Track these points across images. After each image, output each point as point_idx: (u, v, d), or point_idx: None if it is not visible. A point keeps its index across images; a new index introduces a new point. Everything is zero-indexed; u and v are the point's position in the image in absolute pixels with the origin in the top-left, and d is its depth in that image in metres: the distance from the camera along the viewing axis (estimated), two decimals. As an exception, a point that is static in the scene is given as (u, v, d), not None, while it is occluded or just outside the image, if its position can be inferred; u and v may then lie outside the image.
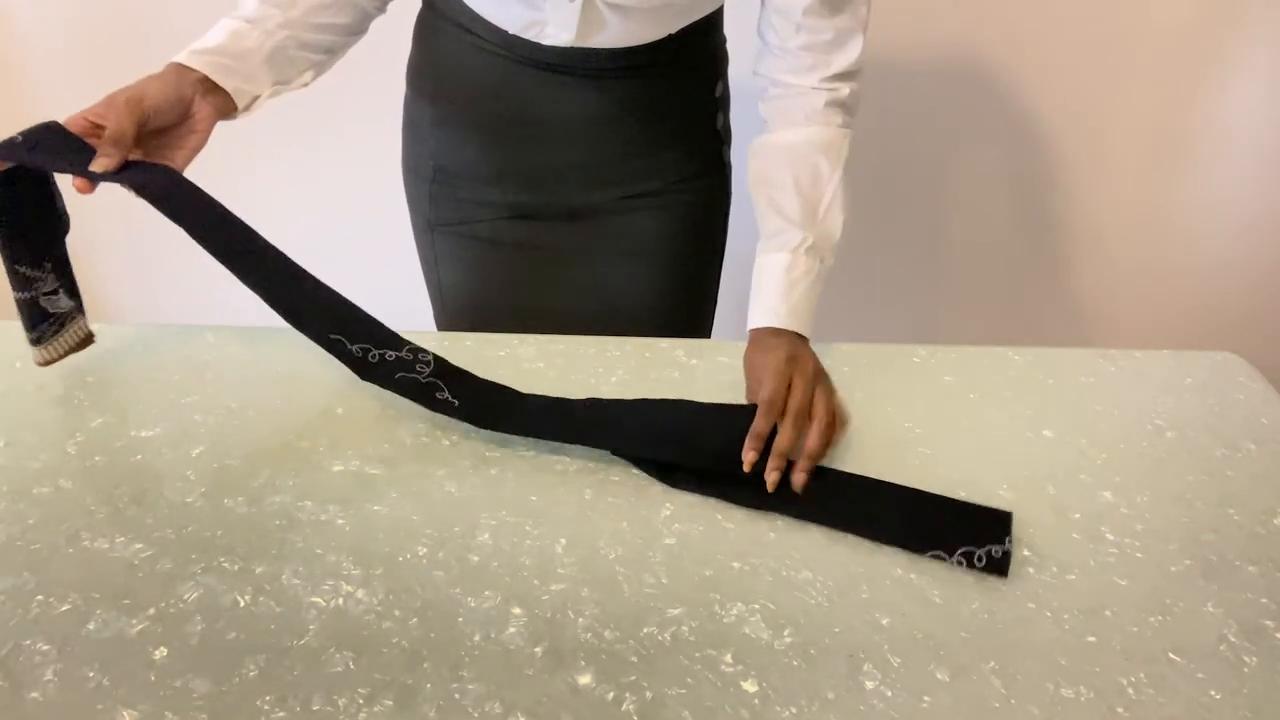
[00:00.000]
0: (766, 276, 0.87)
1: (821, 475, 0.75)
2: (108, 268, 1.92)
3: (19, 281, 0.81)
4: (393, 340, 0.82)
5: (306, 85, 0.91)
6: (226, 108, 0.83)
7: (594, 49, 0.92)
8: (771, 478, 0.72)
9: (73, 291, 0.85)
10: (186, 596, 0.63)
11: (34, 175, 0.78)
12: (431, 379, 0.80)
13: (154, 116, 0.77)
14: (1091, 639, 0.61)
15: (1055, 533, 0.70)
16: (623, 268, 1.07)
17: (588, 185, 1.03)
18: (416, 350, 0.82)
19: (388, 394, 0.83)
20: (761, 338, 0.85)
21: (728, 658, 0.60)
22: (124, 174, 0.75)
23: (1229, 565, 0.68)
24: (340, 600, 0.63)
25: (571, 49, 0.92)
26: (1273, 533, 0.71)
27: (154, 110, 0.77)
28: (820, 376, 0.82)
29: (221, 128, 0.85)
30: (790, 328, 0.84)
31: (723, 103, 1.07)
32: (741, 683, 0.58)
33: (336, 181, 1.77)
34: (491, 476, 0.75)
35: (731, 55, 1.08)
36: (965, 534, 0.68)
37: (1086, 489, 0.75)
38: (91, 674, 0.58)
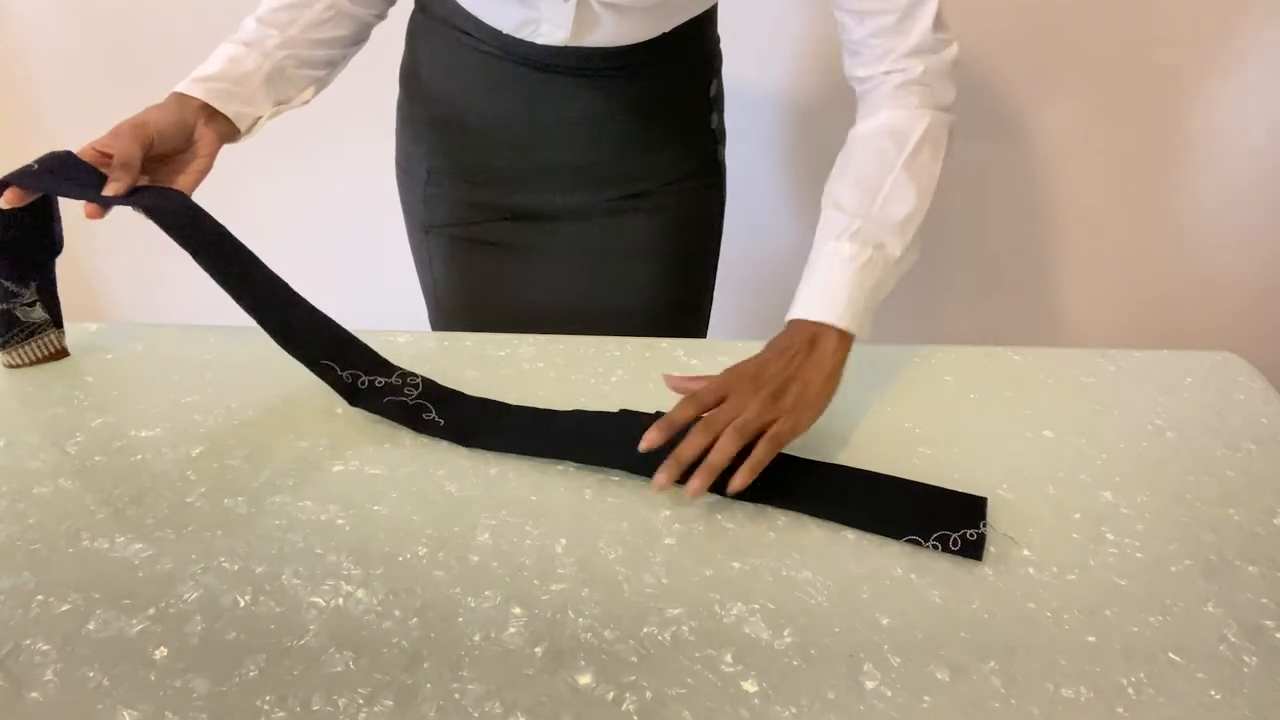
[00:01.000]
0: (807, 270, 0.81)
1: (794, 464, 0.75)
2: (108, 268, 1.92)
3: (1, 292, 0.84)
4: (383, 367, 0.82)
5: (308, 102, 0.92)
6: (229, 132, 0.85)
7: (588, 48, 0.92)
8: (658, 479, 0.69)
9: (52, 309, 0.88)
10: (186, 596, 0.63)
11: (37, 198, 0.80)
12: (419, 400, 0.80)
13: (158, 141, 0.80)
14: (1091, 639, 0.61)
15: (1055, 533, 0.70)
16: (618, 269, 1.07)
17: (582, 186, 1.02)
18: (406, 375, 0.82)
19: (388, 394, 0.83)
20: (784, 334, 0.78)
21: (728, 658, 0.60)
22: (133, 197, 0.77)
23: (1229, 565, 0.68)
24: (340, 600, 0.63)
25: (566, 48, 0.92)
26: (1273, 533, 0.71)
27: (158, 135, 0.80)
28: (784, 392, 0.73)
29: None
30: (812, 318, 0.77)
31: (717, 102, 1.07)
32: (741, 683, 0.58)
33: (330, 185, 1.77)
34: (491, 476, 0.75)
35: (725, 55, 1.08)
36: (940, 519, 0.70)
37: (1086, 489, 0.75)
38: (91, 674, 0.58)
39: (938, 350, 0.93)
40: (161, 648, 0.60)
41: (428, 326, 1.19)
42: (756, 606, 0.63)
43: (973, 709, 0.57)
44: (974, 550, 0.68)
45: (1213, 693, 0.58)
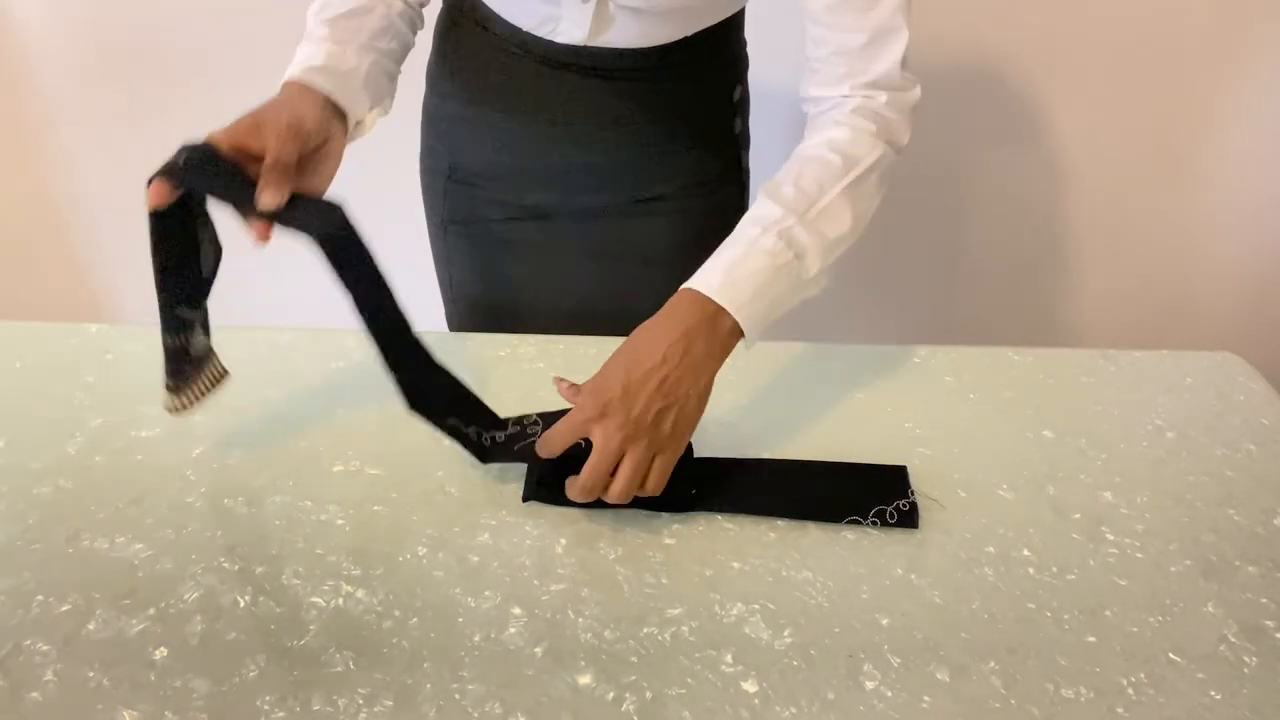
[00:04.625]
0: (722, 247, 0.74)
1: (734, 466, 0.75)
2: (108, 268, 1.91)
3: (174, 325, 0.72)
4: (499, 422, 0.76)
5: (384, 114, 0.85)
6: (341, 133, 0.77)
7: (607, 48, 0.92)
8: (573, 494, 0.69)
9: (207, 326, 0.76)
10: (186, 596, 0.63)
11: (192, 199, 0.68)
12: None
13: (309, 142, 0.70)
14: (1091, 639, 0.62)
15: (1055, 533, 0.70)
16: (635, 271, 1.06)
17: (601, 187, 1.02)
18: (522, 420, 0.75)
19: (388, 395, 0.82)
20: (673, 305, 0.71)
21: (728, 658, 0.60)
22: (289, 214, 0.66)
23: (1229, 565, 0.68)
24: (340, 600, 0.63)
25: (584, 48, 0.92)
26: (1273, 533, 0.71)
27: (312, 135, 0.70)
28: (660, 422, 0.68)
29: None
30: (713, 297, 0.70)
31: (741, 107, 1.06)
32: (741, 683, 0.58)
33: (349, 181, 1.76)
34: (491, 477, 0.75)
35: (751, 59, 1.07)
36: (873, 495, 0.72)
37: (1086, 489, 0.75)
38: (91, 674, 0.58)
39: (938, 350, 0.93)
40: (161, 648, 0.60)
41: (444, 323, 1.19)
42: (756, 606, 0.63)
43: (973, 709, 0.57)
44: (910, 519, 0.70)
45: (1213, 693, 0.58)
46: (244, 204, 0.66)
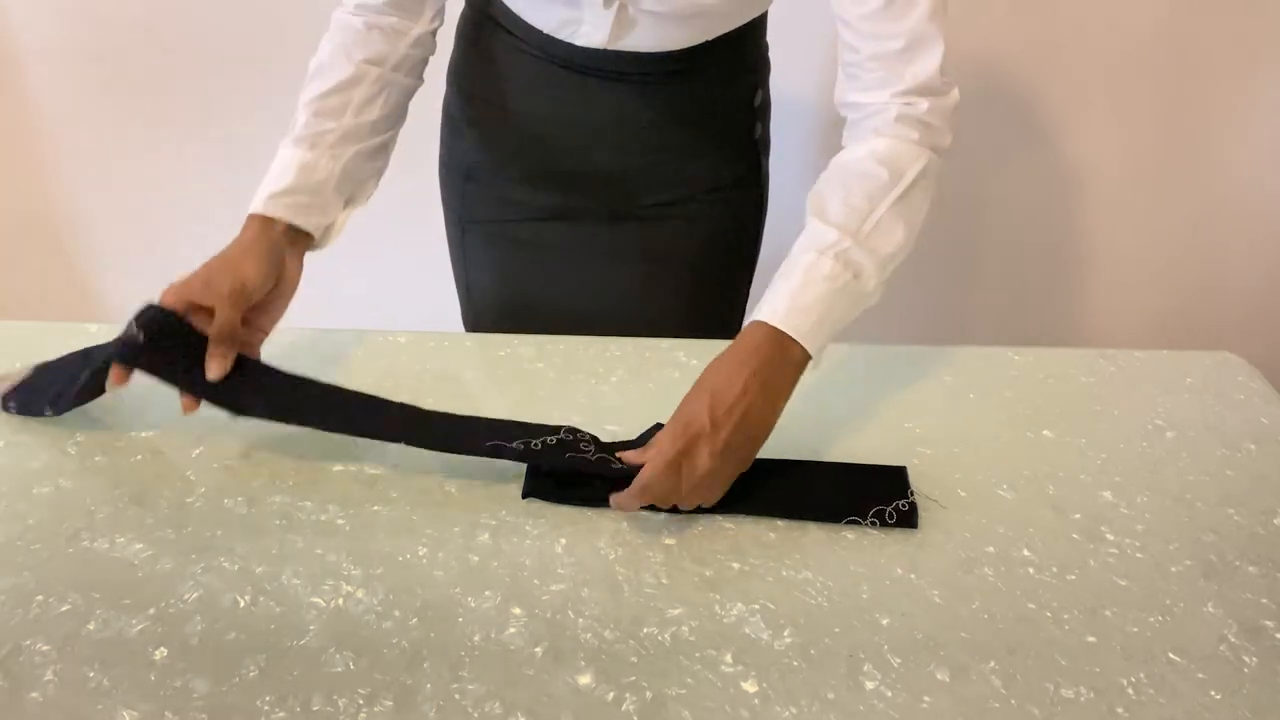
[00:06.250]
0: (781, 274, 0.75)
1: None
2: (108, 268, 1.92)
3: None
4: (542, 429, 0.74)
5: (369, 198, 0.89)
6: (307, 247, 0.83)
7: (627, 52, 0.92)
8: (622, 503, 0.69)
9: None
10: (186, 596, 0.63)
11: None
12: (601, 455, 0.72)
13: (254, 299, 0.77)
14: (1091, 639, 0.62)
15: (1055, 533, 0.70)
16: (652, 274, 1.06)
17: (620, 190, 1.02)
18: (575, 432, 0.74)
19: (388, 394, 0.82)
20: (745, 337, 0.73)
21: (728, 658, 0.60)
22: (230, 397, 0.75)
23: (1229, 565, 0.68)
24: (340, 600, 0.63)
25: (605, 51, 0.92)
26: (1273, 533, 0.71)
27: (256, 292, 0.77)
28: (726, 477, 0.70)
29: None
30: (781, 326, 0.72)
31: (761, 112, 1.05)
32: (741, 683, 0.58)
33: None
34: (491, 477, 0.75)
35: (773, 65, 1.07)
36: (872, 495, 0.72)
37: (1086, 489, 0.75)
38: (91, 674, 0.58)
39: (938, 350, 0.93)
40: (161, 648, 0.60)
41: (459, 324, 1.19)
42: (756, 606, 0.63)
43: (973, 709, 0.57)
44: (910, 519, 0.70)
45: (1213, 693, 0.58)
46: (190, 383, 0.75)
